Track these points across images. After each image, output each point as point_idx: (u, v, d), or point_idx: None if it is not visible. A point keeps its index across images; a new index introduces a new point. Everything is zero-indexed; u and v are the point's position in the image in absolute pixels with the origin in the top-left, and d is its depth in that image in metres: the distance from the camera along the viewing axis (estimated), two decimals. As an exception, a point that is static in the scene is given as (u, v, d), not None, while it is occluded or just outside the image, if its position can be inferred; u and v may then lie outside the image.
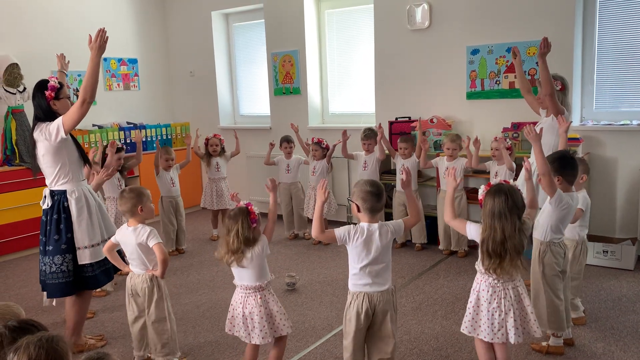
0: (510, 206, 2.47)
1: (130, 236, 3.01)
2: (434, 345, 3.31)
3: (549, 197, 2.92)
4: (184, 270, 4.90)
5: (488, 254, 2.51)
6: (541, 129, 3.53)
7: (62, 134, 3.10)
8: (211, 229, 6.00)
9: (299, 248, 5.44)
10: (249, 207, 2.77)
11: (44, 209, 3.28)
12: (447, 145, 4.83)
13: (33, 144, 3.22)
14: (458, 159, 4.83)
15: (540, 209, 3.07)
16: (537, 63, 4.88)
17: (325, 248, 5.38)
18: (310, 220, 5.60)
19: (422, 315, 3.76)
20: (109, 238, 3.31)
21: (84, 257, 3.26)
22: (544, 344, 3.14)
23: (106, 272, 3.40)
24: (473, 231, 2.64)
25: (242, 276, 2.79)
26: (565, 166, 3.00)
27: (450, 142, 4.82)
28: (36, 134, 3.17)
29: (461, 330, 2.72)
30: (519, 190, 2.57)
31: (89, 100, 3.06)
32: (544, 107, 3.99)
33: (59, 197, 3.23)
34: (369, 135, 5.26)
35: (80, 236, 3.25)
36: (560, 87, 3.92)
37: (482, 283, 2.63)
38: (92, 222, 3.29)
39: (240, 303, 2.79)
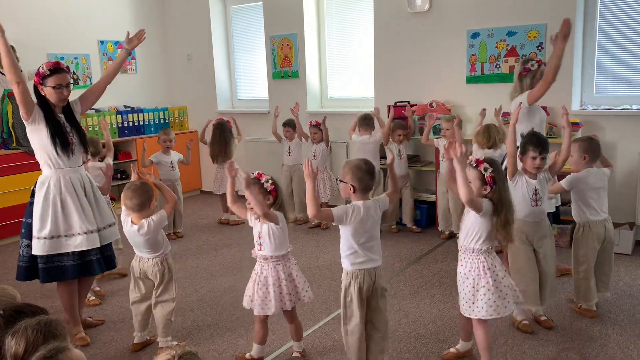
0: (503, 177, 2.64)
1: (138, 236, 2.98)
2: (432, 329, 3.33)
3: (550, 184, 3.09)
4: (182, 255, 4.91)
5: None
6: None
7: (26, 118, 3.10)
8: (210, 214, 5.98)
9: (297, 232, 5.44)
10: (260, 179, 2.81)
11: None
12: (444, 125, 4.83)
13: None
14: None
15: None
16: (538, 47, 4.86)
17: (323, 232, 5.38)
18: None
19: (420, 298, 3.77)
20: (87, 232, 3.17)
21: (34, 247, 3.14)
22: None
23: (79, 266, 3.19)
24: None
25: (267, 251, 2.86)
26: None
27: (446, 122, 4.83)
28: None
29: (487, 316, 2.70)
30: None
31: (15, 80, 3.01)
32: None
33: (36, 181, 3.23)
34: (366, 117, 5.29)
35: (33, 224, 3.15)
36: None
37: (467, 261, 2.70)
38: (46, 213, 3.12)
39: (279, 271, 2.85)
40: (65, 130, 3.18)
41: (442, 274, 4.19)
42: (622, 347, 3.03)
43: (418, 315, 3.52)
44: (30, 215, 3.18)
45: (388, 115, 5.34)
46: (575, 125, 4.53)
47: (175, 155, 5.46)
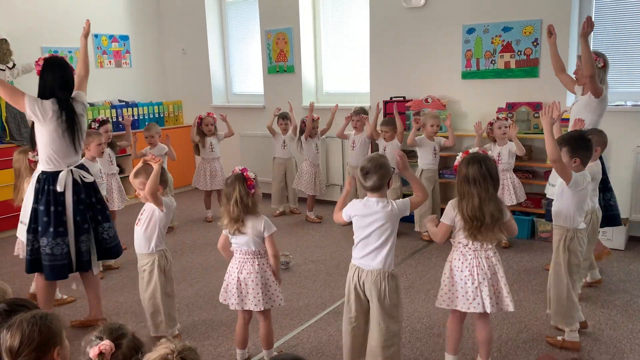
0: (484, 174, 2.50)
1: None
2: (427, 324, 3.34)
3: (564, 182, 2.89)
4: (177, 250, 4.89)
5: (469, 218, 2.51)
6: (558, 115, 3.33)
7: None
8: (204, 210, 5.94)
9: (292, 227, 5.44)
10: (245, 173, 2.75)
11: None
12: (431, 122, 4.84)
13: None
14: (438, 137, 4.86)
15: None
16: (533, 43, 4.86)
17: (318, 227, 5.38)
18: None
19: (415, 293, 3.78)
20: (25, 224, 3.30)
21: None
22: (559, 338, 3.03)
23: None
24: (447, 216, 2.63)
25: (241, 242, 2.78)
26: (583, 147, 2.94)
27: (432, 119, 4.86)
28: None
29: (437, 305, 2.69)
30: (495, 160, 2.58)
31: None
32: (580, 84, 3.92)
33: None
34: (359, 111, 5.24)
35: None
36: (602, 64, 3.84)
37: (455, 252, 2.65)
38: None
39: (237, 268, 2.80)
40: None
41: (436, 269, 4.19)
42: (614, 341, 3.05)
43: (413, 310, 3.53)
44: None
45: (387, 111, 5.34)
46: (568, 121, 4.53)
47: (158, 150, 5.27)
